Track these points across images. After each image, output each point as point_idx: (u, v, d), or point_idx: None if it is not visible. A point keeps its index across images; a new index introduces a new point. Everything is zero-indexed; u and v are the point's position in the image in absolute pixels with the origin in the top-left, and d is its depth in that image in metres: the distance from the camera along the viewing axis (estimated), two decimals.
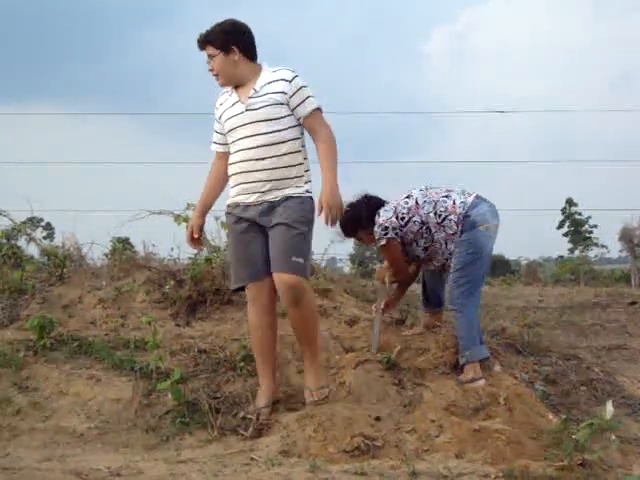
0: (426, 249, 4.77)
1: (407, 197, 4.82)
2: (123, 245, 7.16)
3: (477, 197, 4.74)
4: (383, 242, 4.75)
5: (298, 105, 3.99)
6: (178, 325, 5.14)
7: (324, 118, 4.09)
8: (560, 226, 39.17)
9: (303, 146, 4.10)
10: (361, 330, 5.11)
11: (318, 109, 4.05)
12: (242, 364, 4.41)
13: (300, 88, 4.00)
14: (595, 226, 37.44)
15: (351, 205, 4.98)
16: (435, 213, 4.68)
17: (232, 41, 4.05)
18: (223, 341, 4.76)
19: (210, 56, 4.08)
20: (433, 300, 5.15)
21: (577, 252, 35.32)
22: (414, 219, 4.70)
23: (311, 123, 4.04)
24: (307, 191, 4.05)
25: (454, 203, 4.67)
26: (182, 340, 4.79)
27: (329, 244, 6.35)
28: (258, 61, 4.16)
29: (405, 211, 4.73)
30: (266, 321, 4.12)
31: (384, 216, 4.76)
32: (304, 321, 4.04)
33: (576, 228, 38.30)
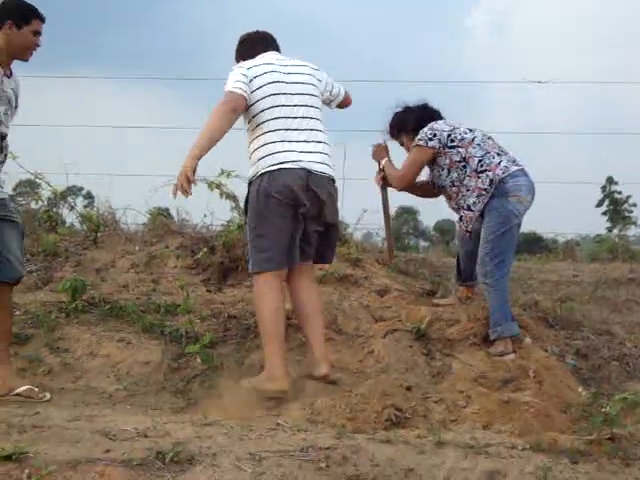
0: (453, 184, 4.71)
1: (470, 130, 4.77)
2: (161, 214, 7.17)
3: (522, 170, 4.66)
4: (421, 143, 4.70)
5: None
6: (209, 291, 5.16)
7: (225, 96, 3.93)
8: (599, 204, 38.78)
9: (255, 135, 4.00)
10: (392, 300, 5.09)
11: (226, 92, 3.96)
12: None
13: None
14: (635, 205, 37.03)
15: (406, 107, 5.02)
16: (479, 161, 4.61)
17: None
18: (253, 308, 4.77)
19: None
20: (466, 275, 5.10)
21: (615, 231, 35.01)
22: (459, 149, 4.65)
23: None
24: (252, 176, 3.98)
25: (499, 164, 4.59)
26: (213, 306, 4.81)
27: (361, 215, 6.32)
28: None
29: (459, 137, 4.69)
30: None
31: (440, 125, 4.75)
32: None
33: (615, 207, 37.90)
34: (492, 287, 4.51)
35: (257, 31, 4.35)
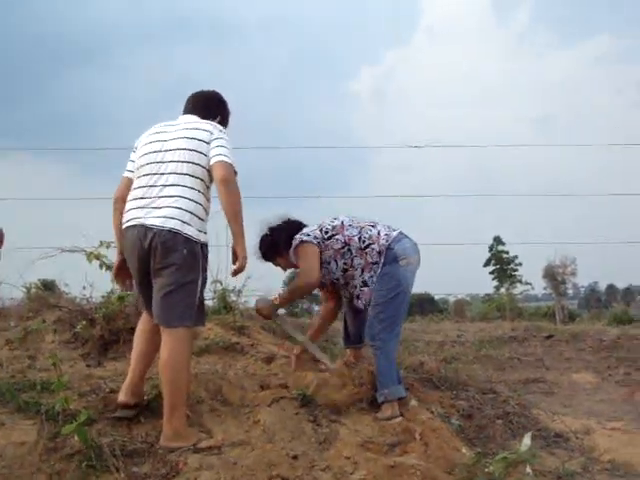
0: (344, 271, 4.76)
1: (334, 218, 4.87)
2: (41, 287, 6.92)
3: (401, 233, 4.79)
4: (305, 238, 4.71)
5: None
6: (89, 365, 4.97)
7: None
8: (487, 264, 39.94)
9: None
10: (278, 367, 5.06)
11: None
12: (154, 404, 4.26)
13: None
14: (520, 264, 38.33)
15: (271, 229, 4.99)
16: (359, 238, 4.71)
17: None
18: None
19: None
20: (354, 337, 5.16)
21: (503, 289, 36.05)
22: (337, 237, 4.73)
23: None
24: None
25: (379, 234, 4.72)
26: (92, 381, 4.62)
27: (245, 281, 6.26)
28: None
29: (330, 227, 4.77)
30: None
31: (307, 229, 4.80)
32: None
33: (502, 266, 39.08)
34: (379, 349, 4.54)
35: (191, 94, 4.46)
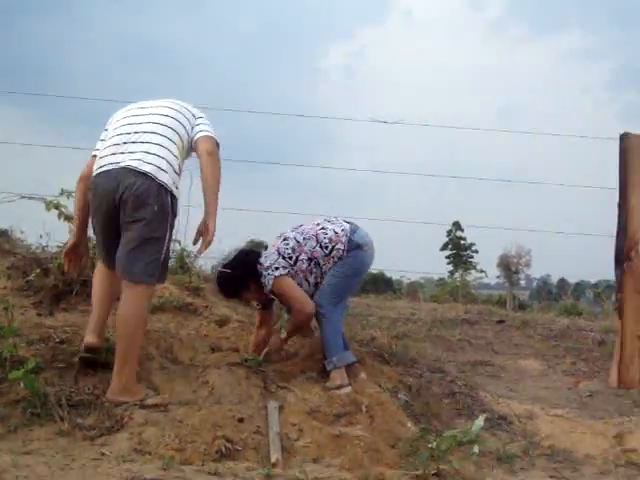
0: (316, 284, 4.73)
1: (284, 240, 4.74)
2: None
3: (348, 222, 4.83)
4: (275, 275, 4.59)
5: None
6: (40, 314, 4.90)
7: None
8: (444, 248, 40.24)
9: None
10: (230, 330, 5.07)
11: None
12: (103, 357, 4.23)
13: None
14: (476, 251, 38.67)
15: (226, 266, 4.74)
16: (321, 246, 4.67)
17: None
18: (85, 333, 4.58)
19: None
20: None
21: (457, 275, 36.29)
22: (301, 257, 4.66)
23: None
24: None
25: (335, 232, 4.69)
26: (42, 330, 4.55)
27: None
28: None
29: (290, 251, 4.67)
30: None
31: (269, 260, 4.66)
32: None
33: (458, 252, 39.41)
34: (325, 317, 4.57)
35: None
